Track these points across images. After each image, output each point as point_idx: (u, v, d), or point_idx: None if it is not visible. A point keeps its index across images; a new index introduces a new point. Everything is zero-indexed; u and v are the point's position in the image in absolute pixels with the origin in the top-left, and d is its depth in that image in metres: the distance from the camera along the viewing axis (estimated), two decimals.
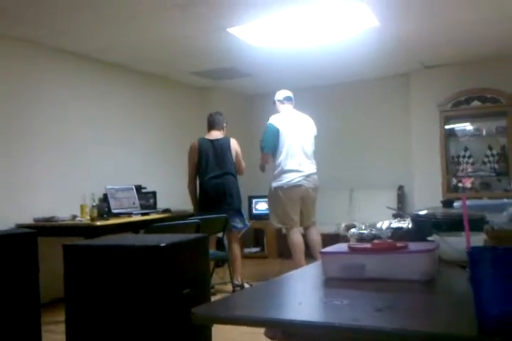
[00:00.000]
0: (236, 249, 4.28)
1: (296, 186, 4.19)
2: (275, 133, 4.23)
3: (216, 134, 4.32)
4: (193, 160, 4.25)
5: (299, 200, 4.24)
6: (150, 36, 4.04)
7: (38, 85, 4.10)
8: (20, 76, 3.96)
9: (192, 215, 4.11)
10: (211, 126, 4.36)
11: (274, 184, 4.24)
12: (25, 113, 3.99)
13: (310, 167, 4.29)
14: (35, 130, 4.06)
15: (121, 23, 3.70)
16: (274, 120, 4.29)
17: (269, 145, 4.25)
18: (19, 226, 3.67)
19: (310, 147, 4.35)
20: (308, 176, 4.24)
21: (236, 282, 4.14)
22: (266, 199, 6.01)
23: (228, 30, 3.90)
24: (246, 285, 4.13)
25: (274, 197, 4.27)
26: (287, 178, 4.19)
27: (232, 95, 6.49)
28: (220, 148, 4.25)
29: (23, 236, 2.82)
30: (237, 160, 4.35)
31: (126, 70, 5.00)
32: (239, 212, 4.29)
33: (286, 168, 4.20)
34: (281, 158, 4.22)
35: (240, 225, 4.29)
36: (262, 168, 4.39)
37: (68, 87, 4.38)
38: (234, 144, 4.36)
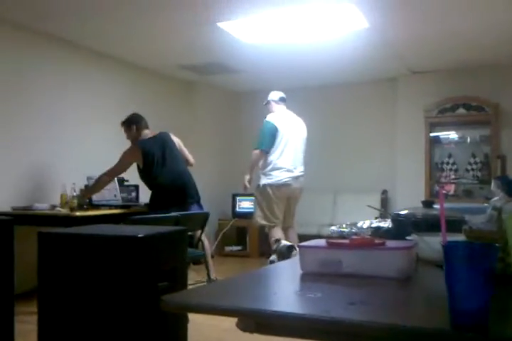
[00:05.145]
0: (206, 241, 4.13)
1: (285, 185, 4.25)
2: (273, 131, 4.26)
3: (150, 132, 4.12)
4: (130, 161, 4.01)
5: (285, 199, 4.32)
6: (138, 27, 4.00)
7: (22, 72, 4.03)
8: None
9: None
10: (142, 126, 4.10)
11: (264, 181, 4.28)
12: (8, 100, 3.92)
13: (300, 168, 4.37)
14: (16, 117, 3.99)
15: (109, 12, 3.65)
16: (272, 118, 4.34)
17: (267, 143, 4.26)
18: None
19: (302, 149, 4.42)
20: (297, 177, 4.32)
21: (213, 278, 4.11)
22: (250, 198, 6.03)
23: (218, 24, 3.88)
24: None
25: (263, 194, 4.31)
26: (278, 177, 4.24)
27: (219, 91, 6.46)
28: (164, 144, 4.06)
29: None
30: (182, 151, 4.21)
31: (112, 60, 4.94)
32: (199, 205, 4.16)
33: (278, 166, 4.24)
34: (274, 156, 4.26)
35: None
36: (252, 167, 4.35)
37: (54, 75, 4.32)
38: (173, 136, 4.19)
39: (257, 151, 4.30)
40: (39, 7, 3.54)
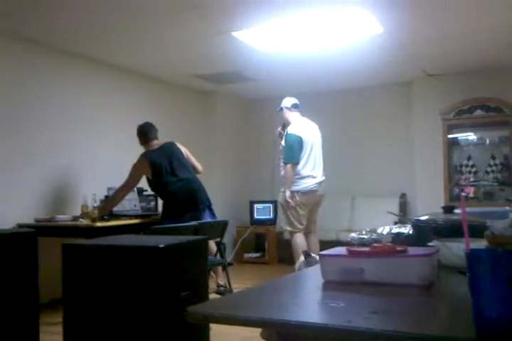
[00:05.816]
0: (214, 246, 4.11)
1: (312, 191, 4.36)
2: (300, 143, 4.37)
3: (158, 143, 4.16)
4: (140, 173, 4.02)
5: (310, 206, 4.42)
6: (154, 38, 4.05)
7: (42, 87, 4.11)
8: (19, 77, 3.95)
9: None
10: (151, 137, 4.15)
11: (292, 188, 4.35)
12: (28, 114, 4.00)
13: (321, 173, 4.48)
14: (36, 130, 4.07)
15: (125, 25, 3.71)
16: (293, 130, 4.40)
17: (297, 156, 4.35)
18: (20, 225, 3.67)
19: (320, 154, 4.52)
20: (320, 183, 4.43)
21: (221, 284, 4.13)
22: (267, 205, 6.05)
23: (233, 33, 3.91)
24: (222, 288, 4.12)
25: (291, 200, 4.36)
26: (305, 184, 4.35)
27: (236, 99, 6.50)
28: (171, 153, 4.08)
29: (23, 236, 2.82)
30: (190, 159, 4.24)
31: (128, 72, 5.01)
32: (211, 210, 4.16)
33: (305, 174, 4.35)
34: (300, 165, 4.36)
35: None
36: (290, 182, 4.30)
37: (71, 88, 4.39)
38: (179, 145, 4.22)
39: (289, 166, 4.35)
40: (51, 22, 3.61)
